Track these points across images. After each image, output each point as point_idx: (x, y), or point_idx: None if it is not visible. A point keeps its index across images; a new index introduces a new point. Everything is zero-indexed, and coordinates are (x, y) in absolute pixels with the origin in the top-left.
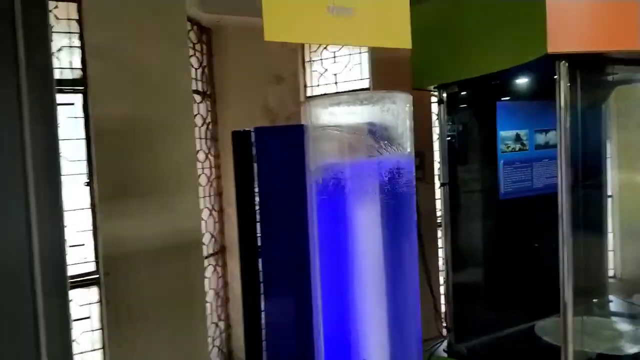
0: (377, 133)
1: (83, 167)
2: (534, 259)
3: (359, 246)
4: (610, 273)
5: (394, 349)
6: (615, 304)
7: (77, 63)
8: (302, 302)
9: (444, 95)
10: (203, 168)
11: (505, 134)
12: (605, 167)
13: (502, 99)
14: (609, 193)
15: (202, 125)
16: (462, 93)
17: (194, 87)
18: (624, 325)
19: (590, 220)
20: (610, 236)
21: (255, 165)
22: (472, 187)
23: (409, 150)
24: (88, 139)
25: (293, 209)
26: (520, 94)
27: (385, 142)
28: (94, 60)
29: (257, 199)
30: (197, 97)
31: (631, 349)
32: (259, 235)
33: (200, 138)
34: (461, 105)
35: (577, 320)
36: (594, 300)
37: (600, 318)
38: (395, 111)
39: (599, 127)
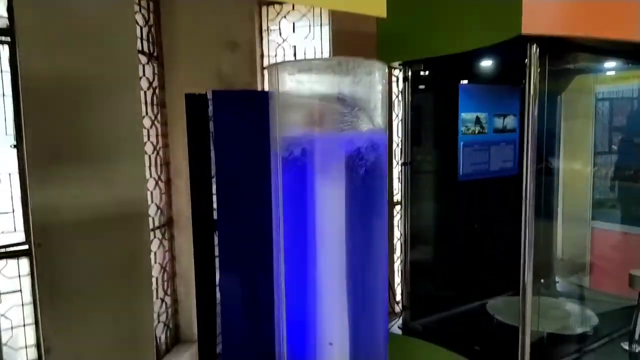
0: (349, 104)
1: (10, 127)
2: (488, 239)
3: (325, 224)
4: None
5: (361, 332)
6: (560, 284)
7: (3, 11)
8: (262, 280)
9: (409, 72)
10: (149, 136)
11: (466, 116)
12: (559, 154)
13: (465, 81)
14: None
15: (148, 89)
16: (426, 72)
17: (139, 47)
18: (570, 305)
19: (545, 203)
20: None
21: (211, 133)
22: (431, 167)
23: (382, 125)
24: (16, 96)
25: (253, 182)
26: (482, 77)
27: (358, 114)
28: (23, 7)
29: (213, 169)
30: (143, 58)
31: (579, 329)
32: (214, 208)
33: (146, 103)
34: (424, 85)
35: (532, 301)
36: (541, 280)
37: (548, 298)
38: (369, 82)
39: (556, 115)
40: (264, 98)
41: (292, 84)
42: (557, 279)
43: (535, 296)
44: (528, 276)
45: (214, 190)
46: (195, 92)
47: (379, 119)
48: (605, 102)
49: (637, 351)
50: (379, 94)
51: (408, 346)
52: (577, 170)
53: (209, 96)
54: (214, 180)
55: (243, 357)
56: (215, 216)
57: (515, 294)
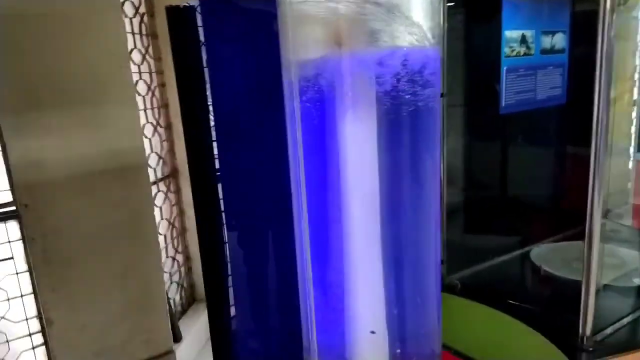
0: (388, 8)
1: None
2: (530, 180)
3: (357, 180)
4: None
5: (410, 318)
6: (607, 225)
7: None
8: (277, 235)
9: None
10: (140, 72)
11: (511, 35)
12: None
13: None
14: None
15: (134, 16)
16: None
17: None
18: (624, 252)
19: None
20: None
21: (204, 57)
22: (470, 98)
23: (433, 39)
24: None
25: (262, 120)
26: None
27: (401, 21)
28: None
29: (210, 105)
30: None
31: (638, 280)
32: (215, 155)
33: (134, 33)
34: None
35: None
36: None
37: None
38: None
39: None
40: (271, 7)
41: None
42: (602, 220)
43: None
44: (596, 220)
45: (213, 135)
46: (178, 4)
47: (430, 32)
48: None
49: None
50: None
51: (447, 305)
52: (620, 99)
53: (198, 7)
54: (212, 120)
55: (260, 320)
56: (217, 164)
57: (558, 239)
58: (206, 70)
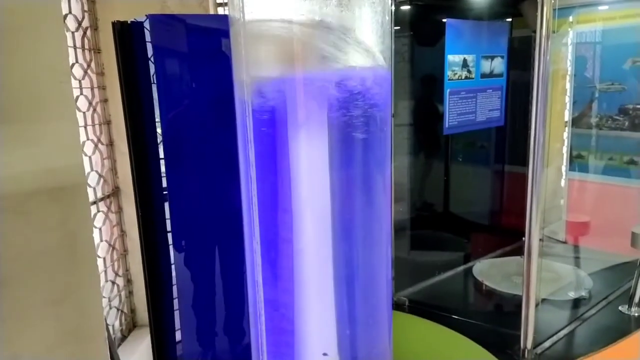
0: (338, 31)
1: None
2: (470, 197)
3: (309, 198)
4: None
5: (362, 338)
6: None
7: None
8: (225, 256)
9: (392, 7)
10: (81, 88)
11: (453, 59)
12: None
13: (451, 17)
14: None
15: (77, 29)
16: (410, 6)
17: None
18: (559, 266)
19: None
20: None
21: (153, 73)
22: (413, 119)
23: (383, 61)
24: None
25: (213, 138)
26: (471, 11)
27: (351, 42)
28: None
29: (158, 124)
30: None
31: (574, 293)
32: (163, 174)
33: (75, 47)
34: (409, 21)
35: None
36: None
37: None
38: (364, 4)
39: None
40: (223, 24)
41: (261, 7)
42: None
43: (520, 256)
44: (534, 237)
45: (161, 153)
46: (126, 20)
47: (380, 50)
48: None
49: (637, 315)
50: (379, 15)
51: (396, 321)
52: (554, 118)
53: (146, 24)
54: (159, 139)
55: (207, 344)
56: (164, 183)
57: (499, 255)
58: (154, 87)
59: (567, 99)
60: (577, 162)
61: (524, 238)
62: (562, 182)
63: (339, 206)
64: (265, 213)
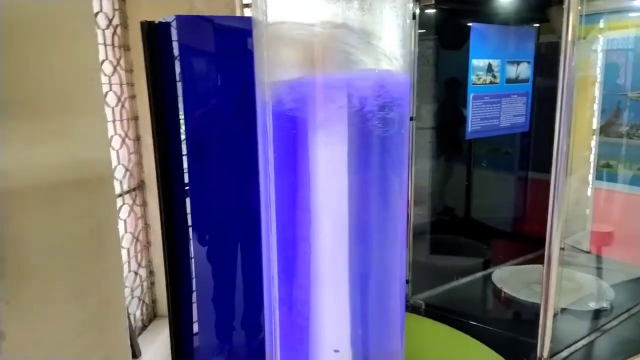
0: (360, 35)
1: None
2: (492, 204)
3: (326, 199)
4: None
5: (374, 338)
6: (565, 251)
7: None
8: (243, 252)
9: (417, 9)
10: (111, 84)
11: (478, 63)
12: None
13: (477, 22)
14: None
15: (107, 27)
16: (436, 9)
17: None
18: (582, 276)
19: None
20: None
21: (179, 72)
22: (436, 123)
23: (404, 65)
24: None
25: (234, 138)
26: (495, 16)
27: (372, 45)
28: None
29: (182, 120)
30: None
31: (595, 304)
32: (185, 170)
33: (106, 45)
34: (433, 25)
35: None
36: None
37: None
38: (384, 5)
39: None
40: (246, 27)
41: (284, 9)
42: (562, 245)
43: (540, 265)
44: (554, 246)
45: (184, 149)
46: (154, 20)
47: (400, 55)
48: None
49: None
50: (400, 20)
51: (412, 324)
52: (581, 126)
53: (173, 24)
54: (183, 137)
55: (223, 337)
56: (186, 179)
57: (520, 262)
58: (179, 85)
59: (595, 107)
60: (605, 171)
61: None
62: (589, 192)
63: (356, 207)
64: (283, 211)
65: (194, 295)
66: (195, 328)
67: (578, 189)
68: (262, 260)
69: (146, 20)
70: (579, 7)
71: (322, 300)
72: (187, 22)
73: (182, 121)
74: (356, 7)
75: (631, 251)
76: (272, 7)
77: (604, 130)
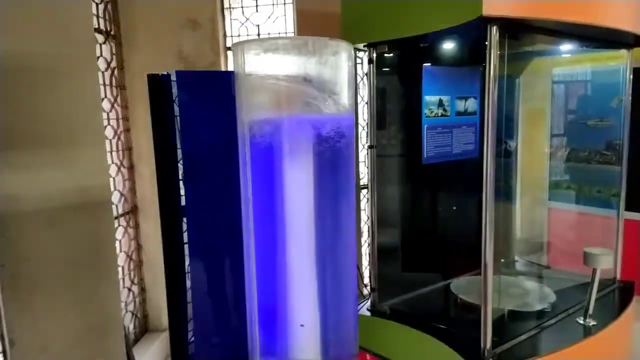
0: (317, 86)
1: None
2: (451, 221)
3: (294, 208)
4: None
5: (331, 314)
6: (520, 263)
7: None
8: (233, 264)
9: (374, 54)
10: (109, 119)
11: (430, 99)
12: (517, 137)
13: (428, 63)
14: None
15: (107, 69)
16: (391, 54)
17: (95, 25)
18: (529, 283)
19: (505, 185)
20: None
21: (177, 115)
22: (396, 150)
23: (349, 107)
24: None
25: (221, 165)
26: (445, 59)
27: (326, 96)
28: None
29: (179, 153)
30: (100, 37)
31: (538, 306)
32: (182, 194)
33: (105, 85)
34: (389, 67)
35: (492, 279)
36: (502, 260)
37: (509, 277)
38: (336, 62)
39: (514, 97)
40: (229, 79)
41: (258, 64)
42: (516, 258)
43: (496, 275)
44: (489, 256)
45: (180, 176)
46: (157, 73)
47: (346, 101)
48: (560, 85)
49: (590, 325)
50: (346, 74)
51: (377, 327)
52: (535, 152)
53: (173, 77)
54: (180, 164)
55: (215, 343)
56: (183, 202)
57: (478, 273)
58: (177, 123)
59: (545, 133)
60: (565, 193)
61: (502, 259)
62: (544, 212)
63: (319, 212)
64: (260, 219)
65: (189, 306)
66: (191, 339)
67: (539, 210)
68: (244, 267)
69: (152, 73)
70: (498, 52)
71: (291, 287)
72: (184, 75)
73: (179, 152)
74: (314, 62)
75: (579, 262)
76: (249, 64)
77: (569, 155)
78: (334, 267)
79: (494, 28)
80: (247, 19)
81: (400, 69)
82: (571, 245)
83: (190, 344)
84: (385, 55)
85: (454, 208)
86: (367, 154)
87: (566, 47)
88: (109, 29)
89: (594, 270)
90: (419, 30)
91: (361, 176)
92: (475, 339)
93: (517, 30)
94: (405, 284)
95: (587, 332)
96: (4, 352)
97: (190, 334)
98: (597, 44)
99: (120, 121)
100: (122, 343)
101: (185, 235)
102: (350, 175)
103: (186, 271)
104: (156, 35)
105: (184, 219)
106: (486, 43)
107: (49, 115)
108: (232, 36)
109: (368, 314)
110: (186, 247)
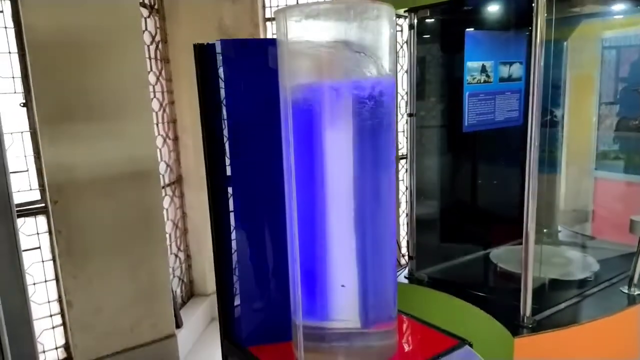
0: (358, 50)
1: (18, 85)
2: (492, 190)
3: (334, 173)
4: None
5: (371, 277)
6: (563, 233)
7: None
8: (276, 229)
9: (415, 20)
10: (154, 92)
11: (472, 65)
12: (564, 105)
13: (471, 28)
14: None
15: (151, 43)
16: (432, 20)
17: None
18: (572, 253)
19: (549, 154)
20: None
21: (222, 84)
22: (436, 119)
23: (390, 72)
24: (22, 53)
25: (265, 133)
26: (489, 23)
27: (367, 60)
28: None
29: (225, 122)
30: (144, 11)
31: (580, 275)
32: (227, 164)
33: (150, 58)
34: (429, 34)
35: (534, 249)
36: (544, 230)
37: (551, 246)
38: (377, 26)
39: (561, 63)
40: (272, 46)
41: (300, 30)
42: (559, 228)
43: (537, 244)
44: (530, 225)
45: (226, 145)
46: (203, 42)
47: (388, 65)
48: (611, 50)
49: (635, 294)
50: (388, 39)
51: (415, 294)
52: (582, 120)
53: (217, 46)
54: (225, 133)
55: (260, 306)
56: (228, 172)
57: (518, 243)
58: (222, 92)
59: (594, 100)
60: (612, 162)
61: (545, 229)
62: (591, 182)
63: (359, 177)
64: (302, 183)
65: (236, 271)
66: (237, 301)
67: (584, 180)
68: (286, 225)
69: (198, 43)
70: (545, 15)
71: (332, 250)
72: (229, 44)
73: (224, 122)
74: (355, 27)
75: (626, 233)
76: (291, 30)
77: (618, 125)
78: (373, 232)
79: None
80: None
81: (442, 35)
82: (618, 216)
83: (236, 307)
84: (427, 20)
85: (495, 177)
86: (407, 122)
87: (618, 7)
88: (153, 2)
89: None
90: None
91: (400, 146)
92: (514, 306)
93: None
94: (443, 253)
95: (632, 301)
96: (62, 313)
97: (236, 298)
98: None
99: (165, 94)
100: (170, 306)
101: (230, 202)
102: (391, 142)
103: (232, 238)
104: (197, 8)
105: (229, 188)
106: (533, 5)
107: (100, 89)
108: (271, 7)
109: (406, 281)
110: (232, 214)
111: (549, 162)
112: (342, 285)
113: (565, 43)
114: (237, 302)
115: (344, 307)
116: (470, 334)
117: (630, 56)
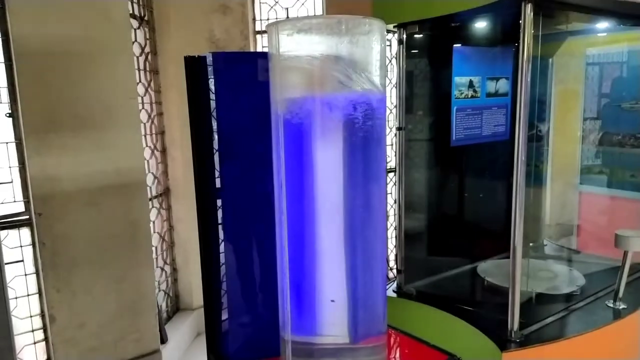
0: (349, 64)
1: (4, 95)
2: (479, 204)
3: (324, 187)
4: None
5: (361, 291)
6: (549, 247)
7: None
8: (265, 243)
9: (404, 35)
10: (143, 103)
11: (460, 80)
12: (549, 120)
13: (459, 44)
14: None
15: (141, 54)
16: (421, 35)
17: (129, 10)
18: (558, 267)
19: (535, 168)
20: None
21: (212, 96)
22: (425, 133)
23: (380, 86)
24: (8, 62)
25: (255, 146)
26: (476, 39)
27: (358, 75)
28: None
29: (215, 134)
30: (134, 23)
31: (566, 289)
32: (217, 176)
33: (139, 69)
34: (418, 49)
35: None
36: (531, 243)
37: (537, 260)
38: (368, 41)
39: (546, 79)
40: (263, 59)
41: (292, 44)
42: (545, 242)
43: (524, 258)
44: (518, 239)
45: (215, 157)
46: (194, 54)
47: (379, 80)
48: (594, 67)
49: (620, 308)
50: (379, 53)
51: (403, 307)
52: (567, 135)
53: (208, 59)
54: (215, 146)
55: (248, 320)
56: (218, 184)
57: (505, 257)
58: (212, 104)
59: (578, 115)
60: (596, 177)
61: (531, 243)
62: (575, 196)
63: (348, 191)
64: (293, 197)
65: (224, 285)
66: (224, 315)
67: (570, 195)
68: (276, 238)
69: (189, 55)
70: (532, 31)
71: (322, 265)
72: (220, 57)
73: (215, 134)
74: (347, 41)
75: (610, 247)
76: (283, 44)
77: (602, 139)
78: (363, 245)
79: (529, 6)
80: (276, 2)
81: (430, 50)
82: (602, 230)
83: (224, 321)
84: (415, 36)
85: (482, 191)
86: (396, 135)
87: (602, 25)
88: (143, 14)
89: (625, 253)
90: (452, 8)
91: (388, 160)
92: (502, 320)
93: (551, 8)
94: (431, 267)
95: (617, 315)
96: (45, 328)
97: (224, 312)
98: (635, 21)
99: (154, 105)
100: (155, 321)
101: (219, 215)
102: (381, 156)
103: (220, 251)
104: (188, 20)
105: (218, 200)
106: (520, 22)
107: (88, 99)
108: (261, 20)
109: (394, 295)
110: (220, 227)
111: (534, 176)
112: (332, 300)
113: (550, 59)
114: (224, 316)
115: (333, 322)
116: (459, 348)
117: (612, 72)
